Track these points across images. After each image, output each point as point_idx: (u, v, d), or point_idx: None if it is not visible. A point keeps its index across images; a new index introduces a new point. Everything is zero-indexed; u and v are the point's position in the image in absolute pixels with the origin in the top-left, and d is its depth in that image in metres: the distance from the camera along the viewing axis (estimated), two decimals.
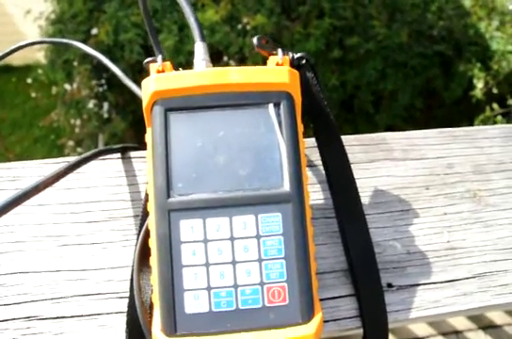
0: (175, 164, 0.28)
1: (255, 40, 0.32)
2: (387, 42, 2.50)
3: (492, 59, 2.61)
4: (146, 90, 0.29)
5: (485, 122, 2.41)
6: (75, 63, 2.34)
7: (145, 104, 0.30)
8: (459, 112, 2.76)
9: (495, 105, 2.43)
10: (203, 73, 0.30)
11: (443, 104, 2.72)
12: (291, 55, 0.33)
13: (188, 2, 0.32)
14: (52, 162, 0.38)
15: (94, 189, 0.37)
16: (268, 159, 0.29)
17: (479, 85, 2.53)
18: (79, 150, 2.51)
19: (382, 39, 2.49)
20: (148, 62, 0.31)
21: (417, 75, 2.59)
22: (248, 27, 2.29)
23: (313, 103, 0.35)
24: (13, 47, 0.50)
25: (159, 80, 0.29)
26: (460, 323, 1.25)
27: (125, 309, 0.31)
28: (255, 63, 2.22)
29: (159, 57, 0.31)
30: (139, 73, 2.23)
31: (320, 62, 2.34)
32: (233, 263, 0.27)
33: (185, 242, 0.27)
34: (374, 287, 0.33)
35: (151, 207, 0.29)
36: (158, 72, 0.30)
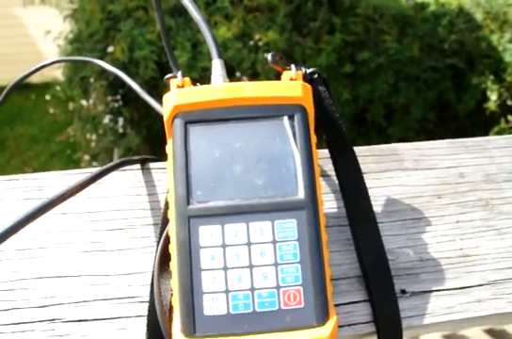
0: (194, 173, 0.30)
1: (269, 56, 0.33)
2: (398, 56, 2.52)
3: (506, 71, 2.61)
4: (167, 104, 0.31)
5: (500, 134, 2.40)
6: (92, 80, 2.41)
7: (166, 117, 0.31)
8: (473, 124, 2.74)
9: (510, 117, 2.42)
10: (221, 88, 0.31)
11: (457, 117, 2.72)
12: (304, 70, 0.35)
13: (206, 22, 0.34)
14: (75, 173, 0.40)
15: (115, 198, 0.38)
16: (283, 169, 0.30)
17: (493, 97, 2.53)
18: (95, 164, 2.55)
19: (393, 53, 2.51)
20: (168, 78, 0.33)
21: (429, 88, 2.60)
22: (260, 44, 2.33)
23: (326, 115, 0.36)
24: (37, 66, 0.53)
25: (179, 95, 0.31)
26: None
27: (145, 313, 0.32)
28: (268, 79, 2.25)
29: (179, 73, 0.32)
30: (154, 89, 2.28)
31: (332, 77, 2.36)
32: (250, 267, 0.28)
33: (204, 247, 0.29)
34: (387, 293, 0.34)
35: (171, 214, 0.30)
36: (178, 87, 0.32)
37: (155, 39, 2.29)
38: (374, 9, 2.58)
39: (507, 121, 2.41)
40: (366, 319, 0.34)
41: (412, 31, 2.61)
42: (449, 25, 2.68)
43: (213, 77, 0.33)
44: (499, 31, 2.72)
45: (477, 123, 2.71)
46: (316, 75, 0.36)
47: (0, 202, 0.37)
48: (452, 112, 2.70)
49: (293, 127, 0.31)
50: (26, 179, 0.39)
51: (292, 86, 0.31)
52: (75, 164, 2.79)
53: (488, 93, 2.52)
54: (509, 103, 2.53)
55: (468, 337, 1.21)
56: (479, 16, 2.75)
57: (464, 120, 2.73)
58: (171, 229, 0.30)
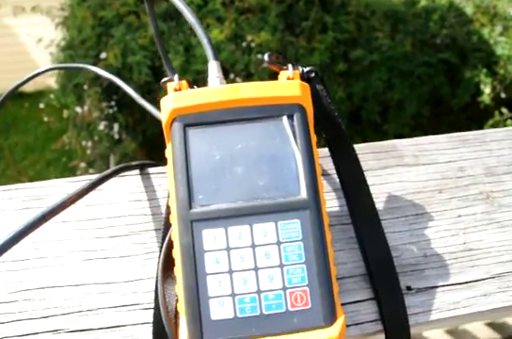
0: (195, 176, 0.30)
1: (266, 56, 0.33)
2: (391, 53, 2.53)
3: (498, 64, 2.62)
4: (165, 108, 0.31)
5: (495, 127, 2.41)
6: (85, 86, 2.40)
7: (164, 120, 0.31)
8: (468, 118, 2.75)
9: (504, 110, 2.43)
10: (218, 90, 0.31)
11: (451, 111, 2.72)
12: (301, 69, 0.35)
13: (201, 25, 0.33)
14: (73, 180, 0.39)
15: (115, 205, 0.38)
16: (285, 169, 0.30)
17: (486, 90, 2.53)
18: (91, 171, 2.54)
19: (386, 49, 2.52)
20: (165, 82, 0.32)
21: (423, 84, 2.60)
22: (253, 45, 2.33)
23: (325, 113, 0.36)
24: (31, 74, 0.52)
25: (177, 98, 0.31)
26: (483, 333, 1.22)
27: (150, 319, 0.32)
28: (261, 79, 2.25)
29: (175, 77, 0.32)
30: (148, 94, 2.28)
31: (326, 75, 2.36)
32: (256, 269, 0.28)
33: (209, 251, 0.28)
34: (393, 290, 0.34)
35: (173, 219, 0.30)
36: (175, 90, 0.31)
37: (148, 43, 2.28)
38: (365, 7, 2.59)
39: (502, 114, 2.42)
40: (373, 318, 0.33)
41: (404, 27, 2.62)
42: (440, 20, 2.69)
43: (210, 79, 0.33)
44: (490, 24, 2.73)
45: (472, 117, 2.72)
46: (313, 74, 0.36)
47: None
48: (446, 107, 2.70)
49: (292, 127, 0.30)
50: (25, 188, 0.39)
51: (290, 85, 0.31)
52: (71, 172, 2.78)
53: (482, 87, 2.53)
54: (503, 95, 2.54)
55: (469, 331, 1.21)
56: (469, 10, 2.76)
57: (459, 114, 2.73)
58: (174, 234, 0.29)
